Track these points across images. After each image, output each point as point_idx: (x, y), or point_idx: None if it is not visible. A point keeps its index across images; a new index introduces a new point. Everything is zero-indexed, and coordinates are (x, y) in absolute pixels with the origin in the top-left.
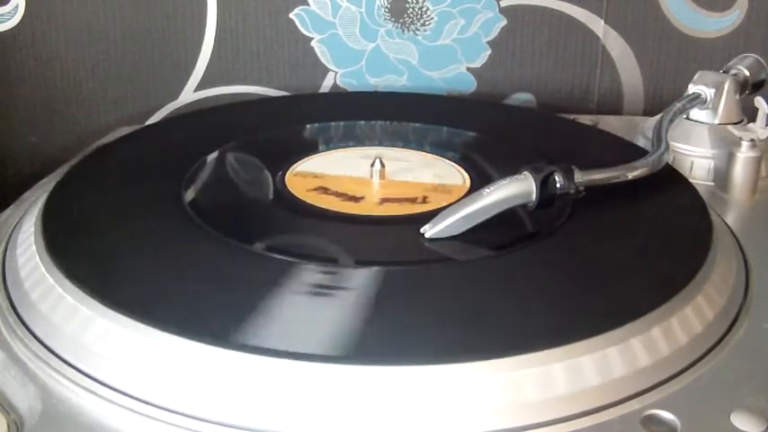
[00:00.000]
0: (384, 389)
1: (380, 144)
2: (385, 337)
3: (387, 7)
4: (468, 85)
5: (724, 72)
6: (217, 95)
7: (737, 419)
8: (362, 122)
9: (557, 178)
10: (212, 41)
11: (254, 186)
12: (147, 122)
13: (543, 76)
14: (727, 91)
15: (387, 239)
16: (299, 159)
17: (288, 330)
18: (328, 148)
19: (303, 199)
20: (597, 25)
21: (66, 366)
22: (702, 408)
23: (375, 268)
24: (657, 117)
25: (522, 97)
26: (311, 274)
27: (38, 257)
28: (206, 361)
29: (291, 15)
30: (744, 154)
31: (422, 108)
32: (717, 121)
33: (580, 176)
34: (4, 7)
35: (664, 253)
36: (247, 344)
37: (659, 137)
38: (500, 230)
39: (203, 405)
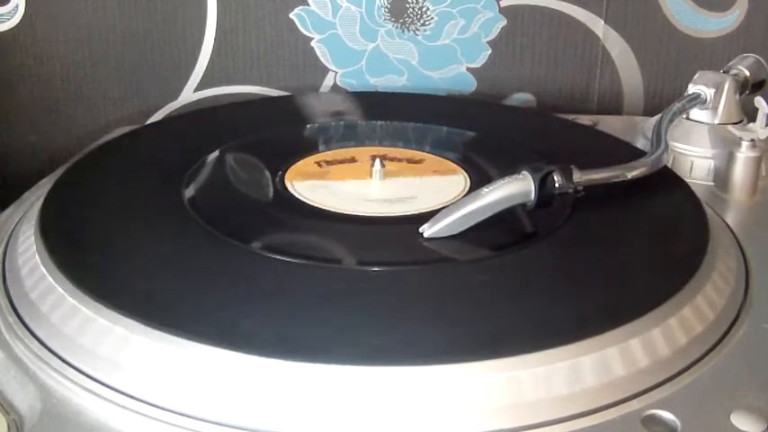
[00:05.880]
0: (383, 389)
1: (380, 144)
2: (384, 337)
3: (387, 7)
4: (468, 85)
5: (724, 72)
6: (217, 95)
7: (737, 419)
8: (362, 122)
9: (555, 178)
10: (212, 41)
11: (254, 186)
12: (147, 122)
13: (543, 76)
14: (727, 91)
15: (386, 239)
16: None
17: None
18: (328, 148)
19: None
20: (597, 25)
21: (66, 366)
22: (702, 408)
23: (374, 268)
24: (657, 117)
25: (522, 97)
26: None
27: (38, 257)
28: (206, 361)
29: (291, 15)
30: (744, 154)
31: (422, 108)
32: (717, 121)
33: (579, 176)
34: (4, 7)
35: (663, 253)
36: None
37: (659, 137)
38: (499, 230)
39: (203, 405)
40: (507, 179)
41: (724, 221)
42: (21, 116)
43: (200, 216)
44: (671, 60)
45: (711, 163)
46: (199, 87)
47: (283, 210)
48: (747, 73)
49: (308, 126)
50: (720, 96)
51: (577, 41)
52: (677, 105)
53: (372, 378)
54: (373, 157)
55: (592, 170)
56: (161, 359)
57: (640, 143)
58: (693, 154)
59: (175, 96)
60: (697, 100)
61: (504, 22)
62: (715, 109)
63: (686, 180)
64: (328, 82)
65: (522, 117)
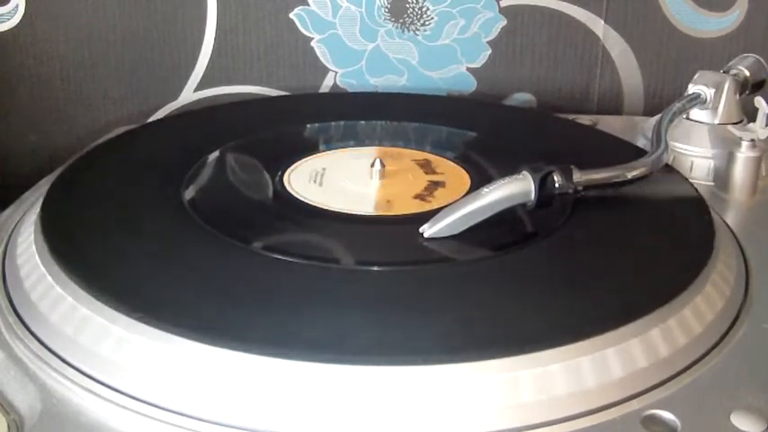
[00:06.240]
0: (384, 389)
1: (380, 144)
2: (384, 336)
3: (387, 7)
4: (468, 85)
5: (724, 72)
6: (217, 95)
7: (737, 419)
8: (362, 122)
9: (555, 178)
10: (212, 41)
11: (254, 186)
12: (147, 122)
13: (543, 76)
14: (727, 91)
15: (386, 239)
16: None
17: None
18: (328, 148)
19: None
20: (597, 25)
21: (66, 366)
22: (702, 408)
23: (375, 268)
24: (657, 117)
25: (522, 97)
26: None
27: (38, 257)
28: (206, 361)
29: (291, 15)
30: (744, 154)
31: (422, 108)
32: (717, 121)
33: (579, 176)
34: (4, 7)
35: (664, 253)
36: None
37: (659, 137)
38: (499, 230)
39: (203, 405)
40: (507, 179)
41: (724, 221)
42: (21, 116)
43: (200, 216)
44: (671, 60)
45: (711, 163)
46: (199, 87)
47: (283, 209)
48: (747, 73)
49: (307, 126)
50: (720, 96)
51: (577, 41)
52: (677, 105)
53: (372, 378)
54: (373, 158)
55: (592, 170)
56: (161, 359)
57: (640, 143)
58: (693, 154)
59: (175, 96)
60: (697, 100)
61: (504, 22)
62: (715, 109)
63: None
64: (328, 82)
65: (522, 117)
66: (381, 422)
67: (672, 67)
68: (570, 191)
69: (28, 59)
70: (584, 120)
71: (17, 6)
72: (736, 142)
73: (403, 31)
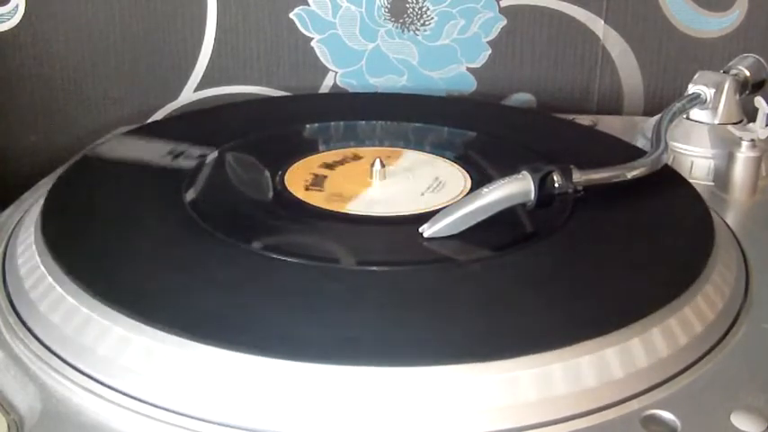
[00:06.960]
0: (383, 389)
1: (380, 144)
2: (384, 337)
3: (387, 7)
4: (468, 85)
5: (724, 72)
6: (217, 95)
7: (737, 419)
8: (362, 122)
9: (555, 178)
10: (212, 41)
11: (254, 186)
12: (147, 122)
13: (543, 76)
14: (727, 91)
15: (386, 239)
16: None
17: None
18: (328, 148)
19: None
20: (597, 25)
21: (66, 366)
22: (702, 408)
23: (374, 268)
24: (657, 117)
25: (522, 97)
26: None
27: (38, 257)
28: (206, 361)
29: (291, 15)
30: (744, 154)
31: (422, 108)
32: (717, 121)
33: (578, 176)
34: (4, 7)
35: (664, 253)
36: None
37: (658, 137)
38: (499, 230)
39: (203, 405)
40: (507, 179)
41: (724, 221)
42: (21, 116)
43: (200, 216)
44: (671, 60)
45: (711, 163)
46: (199, 87)
47: (283, 210)
48: (747, 73)
49: (307, 126)
50: (720, 96)
51: (577, 41)
52: (677, 105)
53: (372, 378)
54: (373, 158)
55: (591, 170)
56: (161, 359)
57: (640, 143)
58: (693, 154)
59: (175, 96)
60: (697, 100)
61: (504, 22)
62: (715, 109)
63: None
64: (328, 82)
65: (522, 117)
66: (380, 422)
67: (672, 67)
68: (570, 191)
69: (28, 59)
70: (585, 120)
71: (17, 6)
72: (736, 142)
73: (403, 31)
